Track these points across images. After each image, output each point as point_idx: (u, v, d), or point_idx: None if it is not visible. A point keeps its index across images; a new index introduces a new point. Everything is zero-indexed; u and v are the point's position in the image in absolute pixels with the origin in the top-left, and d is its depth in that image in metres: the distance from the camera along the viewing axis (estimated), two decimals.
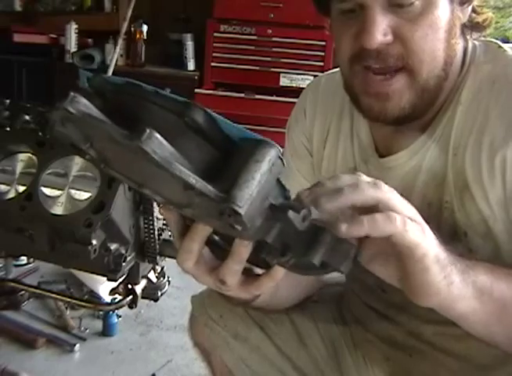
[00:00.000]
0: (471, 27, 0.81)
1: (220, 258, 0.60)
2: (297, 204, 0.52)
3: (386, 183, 0.88)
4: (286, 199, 0.52)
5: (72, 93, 0.45)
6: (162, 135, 0.46)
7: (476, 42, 0.83)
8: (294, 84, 2.91)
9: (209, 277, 0.60)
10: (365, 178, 0.60)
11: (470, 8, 0.78)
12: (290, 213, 0.51)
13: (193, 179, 0.45)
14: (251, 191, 0.46)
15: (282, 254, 0.55)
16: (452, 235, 0.80)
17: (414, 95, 0.76)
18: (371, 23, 0.72)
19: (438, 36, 0.74)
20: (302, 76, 2.90)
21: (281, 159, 0.49)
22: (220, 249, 0.61)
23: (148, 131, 0.43)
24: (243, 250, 0.56)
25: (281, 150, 0.48)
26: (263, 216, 0.50)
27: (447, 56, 0.76)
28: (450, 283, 0.62)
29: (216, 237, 0.61)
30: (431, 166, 0.82)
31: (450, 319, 0.68)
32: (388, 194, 0.59)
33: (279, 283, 0.84)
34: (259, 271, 0.62)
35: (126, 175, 0.53)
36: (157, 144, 0.44)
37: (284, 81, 2.93)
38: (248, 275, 0.62)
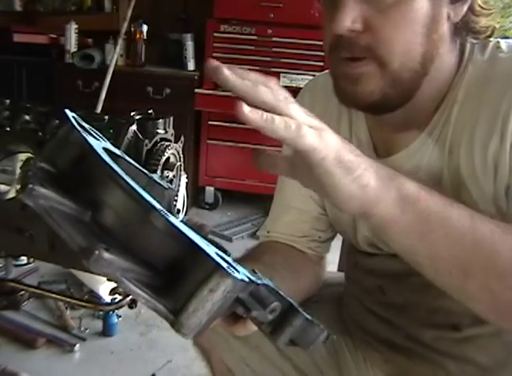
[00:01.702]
0: (468, 30, 0.80)
1: None
2: (267, 297, 0.52)
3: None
4: (257, 286, 0.51)
5: (30, 185, 0.44)
6: (123, 225, 0.46)
7: (474, 41, 0.83)
8: (294, 84, 2.90)
9: None
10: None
11: (464, 7, 0.77)
12: (254, 313, 0.51)
13: (143, 299, 0.44)
14: (200, 320, 0.45)
15: (255, 320, 0.55)
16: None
17: (384, 83, 0.75)
18: (341, 9, 0.72)
19: (413, 28, 0.74)
20: (302, 76, 2.90)
21: (243, 281, 0.46)
22: None
23: (96, 253, 0.43)
24: None
25: (240, 277, 0.45)
26: (229, 305, 0.49)
27: (426, 51, 0.75)
28: (363, 185, 0.59)
29: None
30: (429, 166, 0.82)
31: (380, 232, 0.65)
32: (289, 103, 0.58)
33: (277, 284, 0.85)
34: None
35: None
36: (106, 264, 0.43)
37: (284, 81, 2.93)
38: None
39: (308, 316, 0.55)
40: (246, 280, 0.47)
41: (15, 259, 2.16)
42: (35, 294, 2.05)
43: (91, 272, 0.45)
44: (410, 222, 0.63)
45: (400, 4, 0.72)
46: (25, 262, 2.26)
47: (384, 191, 0.61)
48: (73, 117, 0.54)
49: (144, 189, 0.50)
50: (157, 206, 0.47)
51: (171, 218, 0.46)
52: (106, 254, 0.43)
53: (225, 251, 0.54)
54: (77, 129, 0.51)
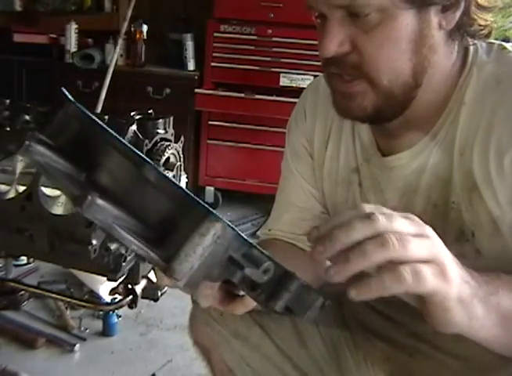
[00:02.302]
0: (472, 35, 0.80)
1: None
2: (259, 257, 0.52)
3: (388, 183, 0.88)
4: (250, 247, 0.52)
5: (27, 142, 0.46)
6: (117, 182, 0.47)
7: (478, 43, 0.83)
8: (294, 84, 2.90)
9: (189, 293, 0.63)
10: (381, 221, 0.55)
11: (457, 14, 0.76)
12: (247, 270, 0.51)
13: (135, 246, 0.46)
14: (191, 264, 0.46)
15: (251, 290, 0.55)
16: (459, 235, 0.80)
17: (377, 98, 0.77)
18: (326, 34, 0.75)
19: (398, 47, 0.74)
20: (302, 76, 2.90)
21: (232, 228, 0.48)
22: None
23: (89, 198, 0.44)
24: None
25: (227, 222, 0.47)
26: (222, 267, 0.50)
27: (416, 64, 0.76)
28: (472, 317, 0.61)
29: None
30: (436, 167, 0.82)
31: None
32: (399, 245, 0.54)
33: None
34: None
35: None
36: (98, 210, 0.44)
37: (284, 81, 2.93)
38: (227, 293, 0.63)
39: (303, 281, 0.55)
40: (237, 231, 0.48)
41: (15, 259, 2.16)
42: (35, 294, 2.05)
43: (87, 218, 0.45)
44: (501, 328, 0.64)
45: (384, 24, 0.73)
46: (25, 262, 2.26)
47: (486, 317, 0.62)
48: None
49: None
50: (150, 161, 0.48)
51: (163, 172, 0.47)
52: (99, 201, 0.44)
53: None
54: (73, 102, 0.52)
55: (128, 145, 0.49)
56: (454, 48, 0.80)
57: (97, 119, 0.52)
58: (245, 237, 0.51)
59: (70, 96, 0.53)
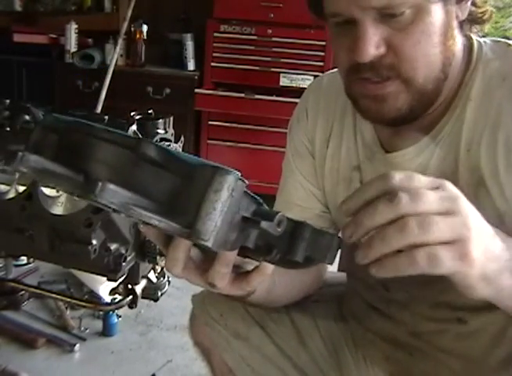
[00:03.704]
0: (471, 20, 0.80)
1: (211, 258, 0.60)
2: (270, 211, 0.53)
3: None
4: (259, 205, 0.53)
5: (20, 153, 0.45)
6: (117, 172, 0.47)
7: (482, 40, 0.83)
8: (294, 84, 2.90)
9: (200, 279, 0.61)
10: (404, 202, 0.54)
11: (469, 3, 0.77)
12: (263, 223, 0.51)
13: (155, 220, 0.46)
14: (215, 222, 0.46)
15: (267, 253, 0.56)
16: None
17: (411, 98, 0.76)
18: (363, 38, 0.72)
19: (432, 41, 0.74)
20: (302, 76, 2.90)
21: (241, 180, 0.48)
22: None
23: (100, 184, 0.44)
24: (228, 255, 0.57)
25: (238, 173, 0.48)
26: (237, 229, 0.51)
27: (444, 57, 0.76)
28: (501, 289, 0.60)
29: None
30: (440, 164, 0.81)
31: None
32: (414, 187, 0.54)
33: (276, 280, 0.85)
34: (250, 267, 0.63)
35: None
36: (112, 194, 0.44)
37: (284, 81, 2.92)
38: (239, 272, 0.62)
39: (314, 226, 0.56)
40: (246, 183, 0.49)
41: (15, 259, 2.16)
42: (35, 294, 2.06)
43: (97, 204, 0.45)
44: None
45: (419, 20, 0.72)
46: (25, 262, 2.26)
47: None
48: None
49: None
50: (141, 137, 0.48)
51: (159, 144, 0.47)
52: (111, 185, 0.44)
53: None
54: (45, 114, 0.52)
55: (114, 131, 0.48)
56: (462, 42, 0.81)
57: (75, 119, 0.51)
58: (252, 194, 0.51)
59: (39, 113, 0.53)
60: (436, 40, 0.74)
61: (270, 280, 0.83)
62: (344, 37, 0.76)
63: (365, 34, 0.72)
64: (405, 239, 0.53)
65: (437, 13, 0.73)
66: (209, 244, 0.46)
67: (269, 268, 0.60)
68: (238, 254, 0.58)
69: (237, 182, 0.47)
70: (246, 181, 0.49)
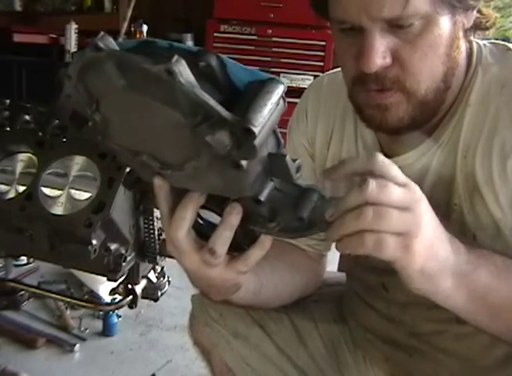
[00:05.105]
0: (475, 27, 0.79)
1: (206, 239, 0.62)
2: (292, 157, 0.55)
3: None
4: (281, 148, 0.55)
5: (101, 34, 0.48)
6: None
7: (481, 42, 0.82)
8: (294, 84, 2.91)
9: (195, 254, 0.62)
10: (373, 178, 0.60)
11: (475, 12, 0.76)
12: (288, 159, 0.54)
13: (213, 104, 0.47)
14: (264, 116, 0.48)
15: (270, 220, 0.58)
16: (460, 237, 0.80)
17: (412, 109, 0.75)
18: (370, 48, 0.71)
19: (438, 53, 0.73)
20: (302, 76, 2.90)
21: (284, 99, 0.51)
22: (204, 235, 0.63)
23: (176, 57, 0.46)
24: (233, 217, 0.59)
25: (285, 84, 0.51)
26: (262, 165, 0.53)
27: (447, 68, 0.75)
28: (437, 289, 0.64)
29: (201, 222, 0.64)
30: (439, 168, 0.81)
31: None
32: (382, 200, 0.59)
33: (264, 282, 0.85)
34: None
35: (125, 142, 0.55)
36: (184, 68, 0.46)
37: (284, 81, 2.92)
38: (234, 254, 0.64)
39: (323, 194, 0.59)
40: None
41: (15, 259, 2.16)
42: (35, 294, 2.06)
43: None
44: (480, 311, 0.69)
45: (427, 33, 0.71)
46: (25, 262, 2.26)
47: (455, 290, 0.66)
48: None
49: None
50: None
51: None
52: (183, 61, 0.46)
53: None
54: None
55: (180, 46, 0.51)
56: (465, 47, 0.80)
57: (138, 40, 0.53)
58: (278, 135, 0.54)
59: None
60: (442, 51, 0.74)
61: (256, 282, 0.83)
62: (350, 44, 0.75)
63: (373, 44, 0.71)
64: (359, 224, 0.58)
65: (445, 25, 0.72)
66: (256, 130, 0.47)
67: (268, 241, 0.62)
68: (239, 226, 0.59)
69: (282, 97, 0.50)
70: (285, 103, 0.51)
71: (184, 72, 0.46)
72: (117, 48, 0.49)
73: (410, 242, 0.60)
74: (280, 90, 0.50)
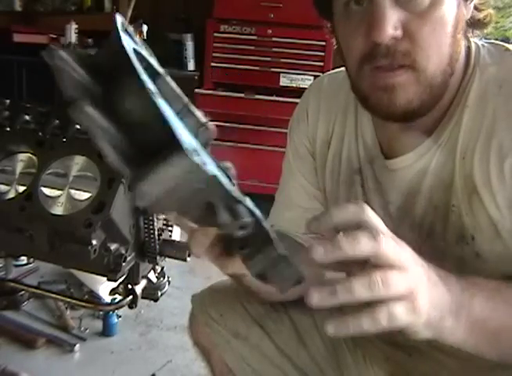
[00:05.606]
0: (472, 23, 0.80)
1: None
2: (242, 212, 0.53)
3: (391, 185, 0.88)
4: (238, 202, 0.53)
5: (53, 46, 0.46)
6: (127, 106, 0.47)
7: (479, 43, 0.82)
8: (294, 84, 2.91)
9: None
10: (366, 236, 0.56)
11: (472, 4, 0.77)
12: (222, 219, 0.51)
13: (110, 158, 0.45)
14: (152, 190, 0.45)
15: (240, 248, 0.57)
16: (459, 238, 0.80)
17: (422, 90, 0.75)
18: (382, 17, 0.71)
19: (446, 30, 0.73)
20: (302, 76, 2.90)
21: (220, 174, 0.49)
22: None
23: (79, 103, 0.44)
24: (209, 228, 0.60)
25: (214, 169, 0.48)
26: (201, 209, 0.51)
27: (453, 51, 0.75)
28: (441, 331, 0.62)
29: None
30: (438, 170, 0.81)
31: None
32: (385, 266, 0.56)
33: None
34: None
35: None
36: (85, 117, 0.44)
37: (284, 81, 2.93)
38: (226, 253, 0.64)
39: (284, 253, 0.56)
40: (213, 173, 0.47)
41: (15, 259, 2.16)
42: (35, 294, 2.06)
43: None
44: (480, 341, 0.67)
45: (435, 7, 0.72)
46: (25, 262, 2.26)
47: (455, 327, 0.63)
48: (123, 23, 0.52)
49: (177, 114, 0.53)
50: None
51: (159, 101, 0.46)
52: (89, 108, 0.44)
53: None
54: (120, 37, 0.50)
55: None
56: (464, 43, 0.80)
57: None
58: (230, 191, 0.51)
59: (120, 26, 0.51)
60: (449, 30, 0.74)
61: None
62: (358, 21, 0.74)
63: (384, 13, 0.71)
64: (371, 294, 0.55)
65: (451, 4, 0.73)
66: (142, 202, 0.46)
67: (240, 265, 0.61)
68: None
69: (199, 169, 0.45)
70: (231, 173, 0.51)
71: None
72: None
73: (415, 301, 0.57)
74: (185, 167, 0.45)
